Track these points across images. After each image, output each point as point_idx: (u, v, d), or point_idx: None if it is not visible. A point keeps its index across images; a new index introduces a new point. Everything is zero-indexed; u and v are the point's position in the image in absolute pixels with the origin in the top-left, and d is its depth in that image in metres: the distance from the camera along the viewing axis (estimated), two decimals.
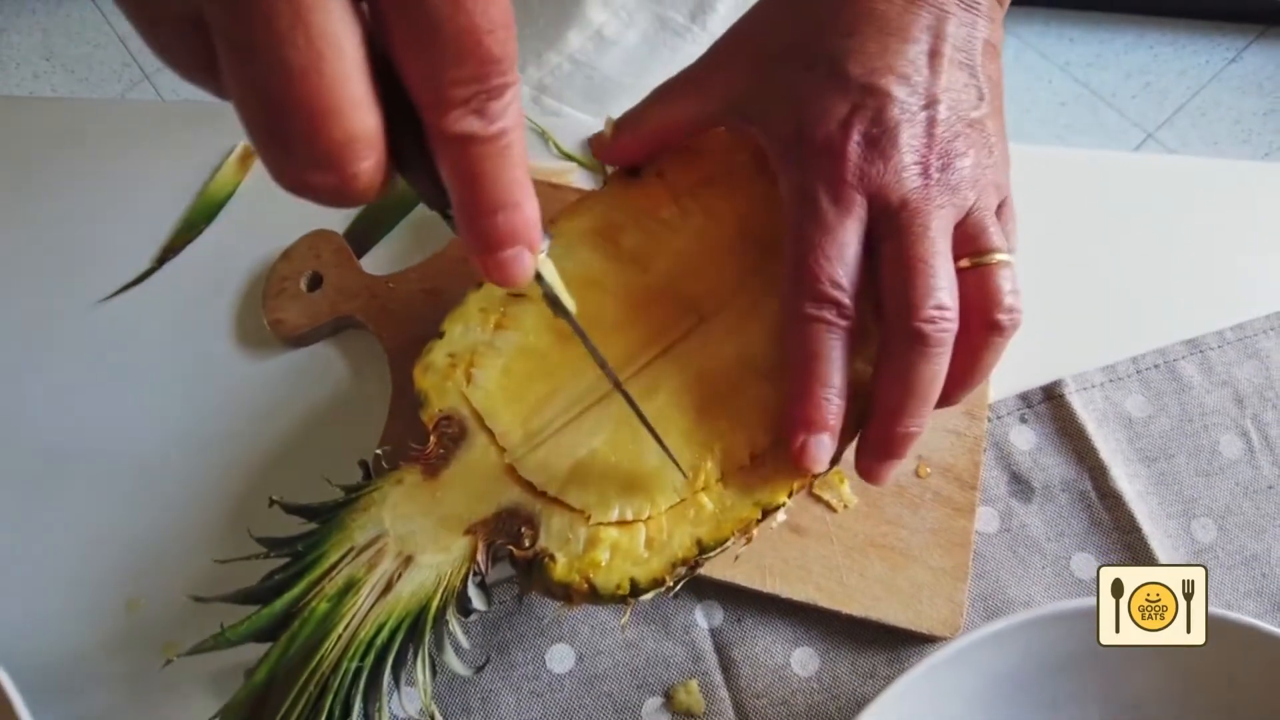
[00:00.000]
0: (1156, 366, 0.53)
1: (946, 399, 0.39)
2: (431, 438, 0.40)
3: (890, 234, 0.37)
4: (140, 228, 0.56)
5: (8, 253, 0.55)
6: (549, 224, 0.42)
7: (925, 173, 0.37)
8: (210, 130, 0.58)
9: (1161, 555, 0.48)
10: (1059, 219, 0.57)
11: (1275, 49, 1.90)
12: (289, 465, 0.49)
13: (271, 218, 0.54)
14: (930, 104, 0.38)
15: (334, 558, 0.38)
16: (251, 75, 0.22)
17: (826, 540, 0.46)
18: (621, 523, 0.38)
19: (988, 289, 0.38)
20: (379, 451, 0.40)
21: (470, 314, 0.42)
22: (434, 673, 0.39)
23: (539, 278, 0.31)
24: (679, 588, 0.39)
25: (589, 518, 0.38)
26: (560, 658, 0.46)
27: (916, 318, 0.36)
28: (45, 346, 0.53)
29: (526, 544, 0.38)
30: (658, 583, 0.38)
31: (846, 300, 0.37)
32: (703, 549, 0.38)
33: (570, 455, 0.39)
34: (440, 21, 0.23)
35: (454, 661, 0.40)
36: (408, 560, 0.38)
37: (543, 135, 0.58)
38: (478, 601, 0.39)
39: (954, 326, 0.36)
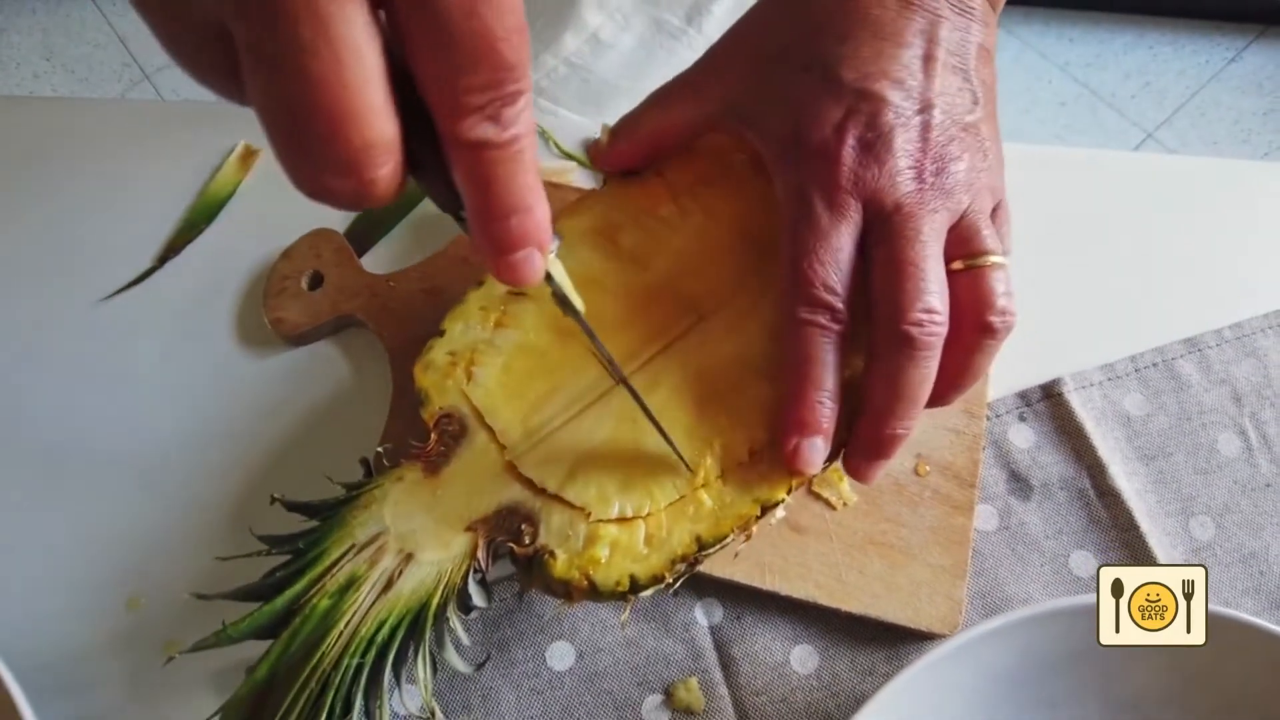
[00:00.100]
0: (1155, 365, 0.53)
1: (939, 400, 0.39)
2: (432, 435, 0.40)
3: (882, 238, 0.37)
4: (141, 227, 0.56)
5: (8, 252, 0.55)
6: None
7: (920, 177, 0.38)
8: (211, 130, 0.58)
9: (1160, 553, 0.48)
10: (1058, 219, 0.57)
11: (1274, 49, 1.90)
12: (290, 463, 0.50)
13: (272, 217, 0.54)
14: (925, 108, 0.38)
15: (335, 555, 0.38)
16: (274, 83, 0.23)
17: (826, 538, 0.46)
18: (621, 520, 0.38)
19: (981, 291, 0.38)
20: (380, 449, 0.41)
21: (470, 312, 0.43)
22: (434, 670, 0.39)
23: (549, 278, 0.32)
24: (678, 585, 0.39)
25: (589, 515, 0.38)
26: (560, 655, 0.46)
27: (905, 321, 0.36)
28: (46, 346, 0.53)
29: (527, 541, 0.38)
30: (657, 579, 0.38)
31: (840, 305, 0.37)
32: (702, 546, 0.38)
33: (570, 452, 0.39)
34: (456, 30, 0.23)
35: (454, 659, 0.40)
36: (408, 557, 0.38)
37: (543, 135, 0.58)
38: (478, 599, 0.39)
39: (943, 330, 0.37)
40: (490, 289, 0.43)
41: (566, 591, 0.38)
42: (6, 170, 0.57)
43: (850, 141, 0.37)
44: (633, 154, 0.45)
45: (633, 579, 0.38)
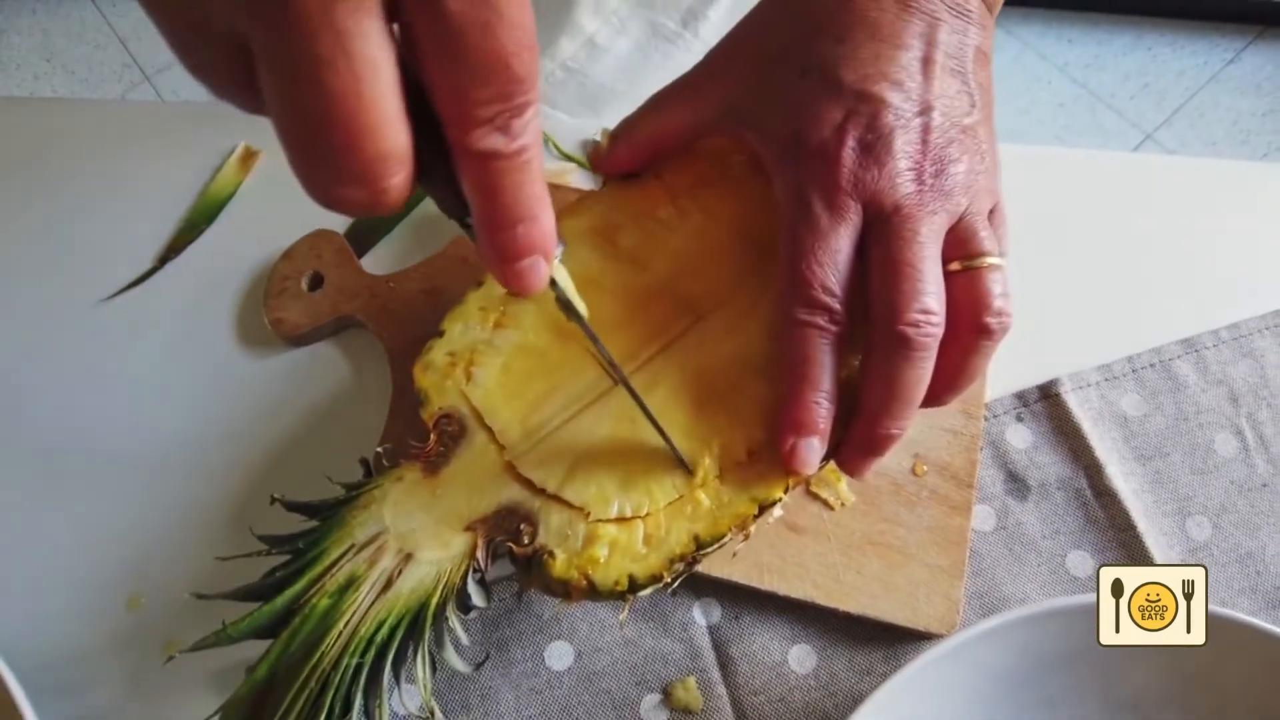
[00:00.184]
0: (1152, 366, 0.53)
1: (935, 400, 0.39)
2: (431, 435, 0.40)
3: (880, 238, 0.37)
4: (141, 228, 0.56)
5: (9, 253, 0.55)
6: None
7: (919, 178, 0.38)
8: (211, 131, 0.58)
9: (1157, 553, 0.48)
10: (1057, 219, 0.57)
11: (1273, 50, 1.91)
12: (290, 463, 0.50)
13: (272, 218, 0.55)
14: (924, 110, 0.38)
15: (335, 555, 0.38)
16: (292, 95, 0.23)
17: (824, 538, 0.46)
18: (620, 519, 0.38)
19: (977, 292, 0.38)
20: (380, 449, 0.41)
21: (470, 313, 0.43)
22: (434, 669, 0.39)
23: (553, 283, 0.32)
24: (677, 584, 0.39)
25: (588, 514, 0.38)
26: (559, 655, 0.46)
27: (901, 321, 0.36)
28: (47, 346, 0.53)
29: (526, 541, 0.38)
30: (656, 579, 0.38)
31: (837, 306, 0.37)
32: (700, 545, 0.38)
33: (569, 452, 0.40)
34: (471, 46, 0.24)
35: (453, 658, 0.40)
36: (408, 557, 0.38)
37: (544, 137, 0.58)
38: (477, 598, 0.39)
39: (938, 331, 0.37)
40: (489, 290, 0.43)
41: (565, 591, 0.38)
42: (7, 171, 0.58)
43: (850, 143, 0.38)
44: (632, 157, 0.45)
45: (631, 579, 0.38)
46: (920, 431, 0.49)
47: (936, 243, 0.38)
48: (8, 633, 0.45)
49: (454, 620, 0.39)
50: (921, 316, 0.36)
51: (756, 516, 0.39)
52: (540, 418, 0.40)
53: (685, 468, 0.39)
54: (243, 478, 0.49)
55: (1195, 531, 0.49)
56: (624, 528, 0.38)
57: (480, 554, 0.38)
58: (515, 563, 0.39)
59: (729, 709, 0.45)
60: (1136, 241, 0.57)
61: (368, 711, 0.37)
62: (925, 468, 0.48)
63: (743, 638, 0.46)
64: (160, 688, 0.45)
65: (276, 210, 0.54)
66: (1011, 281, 0.39)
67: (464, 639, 0.40)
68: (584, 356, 0.41)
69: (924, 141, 0.38)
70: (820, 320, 0.37)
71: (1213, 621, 0.39)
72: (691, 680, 0.45)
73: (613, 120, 0.45)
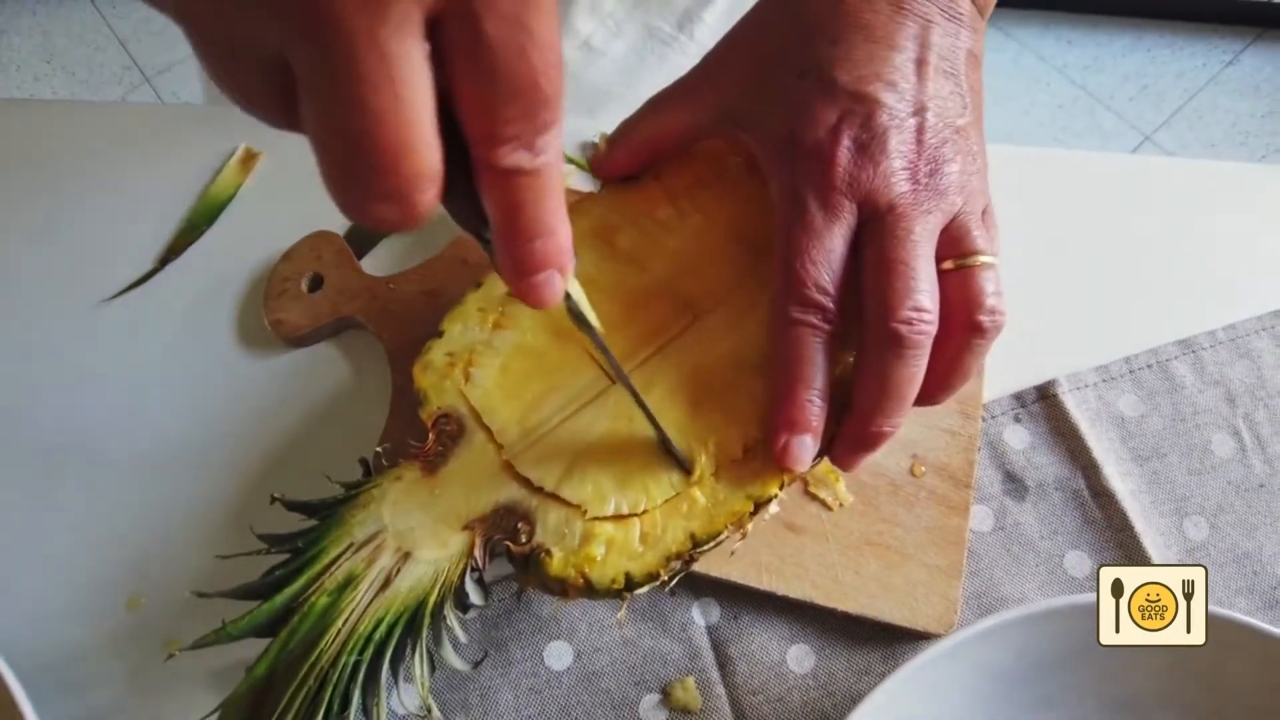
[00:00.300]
0: (1149, 366, 0.53)
1: (929, 399, 0.39)
2: (430, 435, 0.40)
3: (874, 237, 0.37)
4: (142, 229, 0.56)
5: (10, 254, 0.56)
6: None
7: (914, 178, 0.38)
8: (211, 132, 0.59)
9: (1154, 553, 0.48)
10: (1055, 220, 0.57)
11: (1272, 52, 1.91)
12: (290, 463, 0.50)
13: (273, 219, 0.55)
14: (918, 111, 0.39)
15: (334, 553, 0.38)
16: (334, 115, 0.24)
17: (822, 538, 0.47)
18: (617, 517, 0.39)
19: (971, 291, 0.38)
20: (379, 449, 0.41)
21: (469, 314, 0.43)
22: (432, 668, 0.39)
23: (567, 296, 0.32)
24: (674, 582, 0.39)
25: (585, 513, 0.39)
26: (558, 655, 0.46)
27: (894, 319, 0.36)
28: (48, 347, 0.53)
29: (523, 539, 0.38)
30: (652, 577, 0.38)
31: (830, 304, 0.37)
32: (696, 542, 0.38)
33: (567, 451, 0.40)
34: (504, 66, 0.24)
35: (452, 657, 0.40)
36: (406, 556, 0.38)
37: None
38: (475, 597, 0.39)
39: (931, 329, 0.37)
40: (488, 291, 0.43)
41: (562, 589, 0.38)
42: (8, 172, 0.58)
43: (845, 142, 0.38)
44: (630, 161, 0.45)
45: (628, 577, 0.38)
46: (918, 432, 0.49)
47: (930, 242, 0.38)
48: (8, 633, 0.45)
49: (452, 619, 0.39)
50: (915, 314, 0.36)
51: (752, 514, 0.39)
52: (538, 417, 0.41)
53: (683, 466, 0.39)
54: (243, 478, 0.49)
55: (1192, 532, 0.49)
56: (620, 526, 0.38)
57: (478, 553, 0.38)
58: (513, 561, 0.39)
59: (728, 709, 0.45)
60: (1135, 242, 0.57)
61: (365, 708, 0.37)
62: (923, 468, 0.48)
63: (741, 638, 0.46)
64: (160, 686, 0.45)
65: (276, 212, 0.55)
66: (1009, 282, 0.39)
67: (462, 638, 0.40)
68: (581, 357, 0.41)
69: (918, 141, 0.38)
70: (814, 319, 0.37)
71: (1212, 621, 0.39)
72: (690, 680, 0.45)
73: (609, 122, 0.45)
